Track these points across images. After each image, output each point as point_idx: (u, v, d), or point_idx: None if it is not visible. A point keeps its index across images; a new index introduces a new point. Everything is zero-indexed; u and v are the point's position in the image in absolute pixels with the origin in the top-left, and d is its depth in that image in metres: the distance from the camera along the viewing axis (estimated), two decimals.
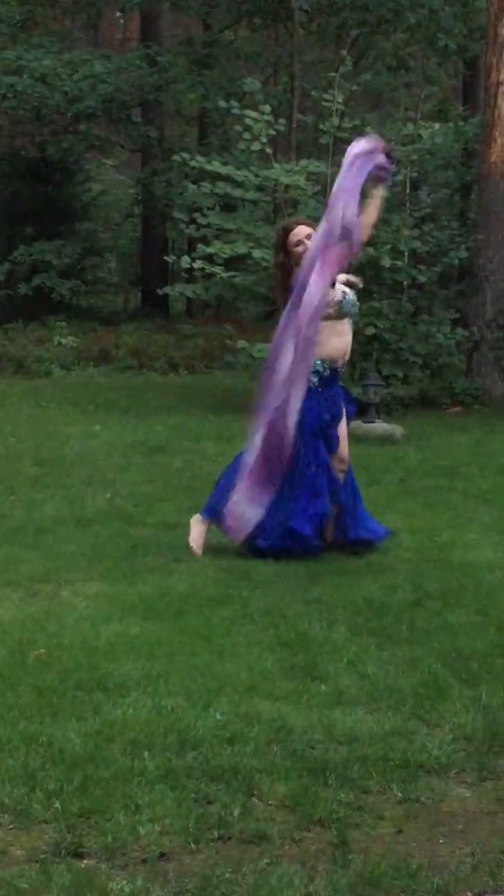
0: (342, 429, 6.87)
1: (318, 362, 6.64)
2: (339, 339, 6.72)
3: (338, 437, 6.82)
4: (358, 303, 6.81)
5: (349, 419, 7.05)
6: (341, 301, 6.62)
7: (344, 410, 6.90)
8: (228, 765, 3.92)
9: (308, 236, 6.63)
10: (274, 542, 6.61)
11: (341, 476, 6.84)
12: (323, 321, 6.50)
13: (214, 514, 6.71)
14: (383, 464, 9.60)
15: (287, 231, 6.79)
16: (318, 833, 3.57)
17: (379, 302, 12.39)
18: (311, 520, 6.63)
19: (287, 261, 6.74)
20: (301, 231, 6.71)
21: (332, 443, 6.78)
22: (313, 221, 6.85)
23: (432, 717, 4.39)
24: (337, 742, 4.17)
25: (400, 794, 3.80)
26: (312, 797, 3.73)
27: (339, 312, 6.65)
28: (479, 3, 17.75)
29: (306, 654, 5.03)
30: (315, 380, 6.66)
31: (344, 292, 6.65)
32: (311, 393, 6.60)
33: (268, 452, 6.41)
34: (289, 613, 5.58)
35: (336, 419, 6.81)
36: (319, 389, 6.70)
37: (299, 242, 6.66)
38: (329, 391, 6.78)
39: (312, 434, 6.67)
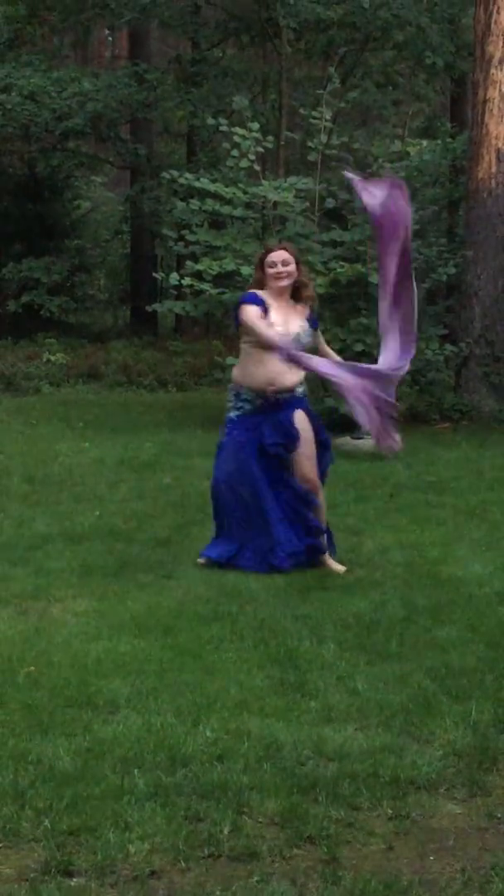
0: (304, 450, 6.82)
1: (244, 392, 6.80)
2: (261, 368, 6.72)
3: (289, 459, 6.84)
4: (306, 338, 6.83)
5: (321, 438, 6.98)
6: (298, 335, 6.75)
7: (305, 434, 6.83)
8: (218, 782, 3.92)
9: (284, 262, 6.79)
10: (253, 566, 6.72)
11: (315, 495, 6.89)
12: (250, 347, 6.72)
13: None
14: (372, 480, 9.61)
15: (268, 251, 6.95)
16: (308, 850, 3.57)
17: (367, 318, 12.41)
18: (291, 556, 6.74)
19: (262, 278, 6.86)
20: (278, 255, 6.84)
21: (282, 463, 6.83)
22: (295, 244, 6.90)
23: (422, 733, 4.39)
24: (327, 759, 4.16)
25: (390, 811, 3.80)
26: (302, 814, 3.73)
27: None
28: (466, 21, 17.87)
29: (296, 670, 5.03)
30: (248, 407, 6.80)
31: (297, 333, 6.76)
32: (242, 421, 6.81)
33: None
34: (278, 630, 5.58)
35: (290, 442, 6.79)
36: (250, 416, 6.79)
37: (273, 264, 6.79)
38: (273, 416, 6.78)
39: (259, 456, 6.77)
